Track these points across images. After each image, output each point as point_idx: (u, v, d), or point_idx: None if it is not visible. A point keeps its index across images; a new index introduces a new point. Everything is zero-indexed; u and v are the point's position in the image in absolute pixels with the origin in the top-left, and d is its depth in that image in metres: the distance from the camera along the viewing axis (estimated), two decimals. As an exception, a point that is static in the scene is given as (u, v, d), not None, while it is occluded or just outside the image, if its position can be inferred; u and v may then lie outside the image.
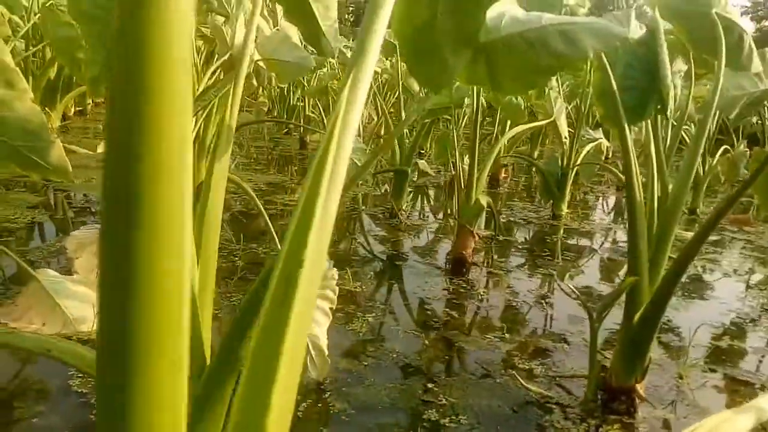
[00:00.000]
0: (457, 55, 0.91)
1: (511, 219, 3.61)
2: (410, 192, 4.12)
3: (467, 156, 2.60)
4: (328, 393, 1.55)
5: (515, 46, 0.98)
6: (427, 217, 3.61)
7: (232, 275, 2.29)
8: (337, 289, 1.62)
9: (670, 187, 1.54)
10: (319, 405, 1.50)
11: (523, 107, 2.77)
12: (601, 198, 4.75)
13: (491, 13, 1.00)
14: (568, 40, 0.99)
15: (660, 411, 1.58)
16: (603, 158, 4.43)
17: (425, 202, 4.02)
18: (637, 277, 1.41)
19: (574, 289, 1.66)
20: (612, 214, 4.29)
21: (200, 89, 1.75)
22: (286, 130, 6.56)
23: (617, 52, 1.73)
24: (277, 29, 2.19)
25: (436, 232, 3.23)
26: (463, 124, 3.57)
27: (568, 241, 3.23)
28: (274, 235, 1.43)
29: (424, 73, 0.93)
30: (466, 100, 2.69)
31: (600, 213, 4.32)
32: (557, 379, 1.69)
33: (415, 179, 4.54)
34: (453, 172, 2.72)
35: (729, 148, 4.35)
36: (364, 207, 3.60)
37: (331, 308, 1.60)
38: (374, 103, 4.63)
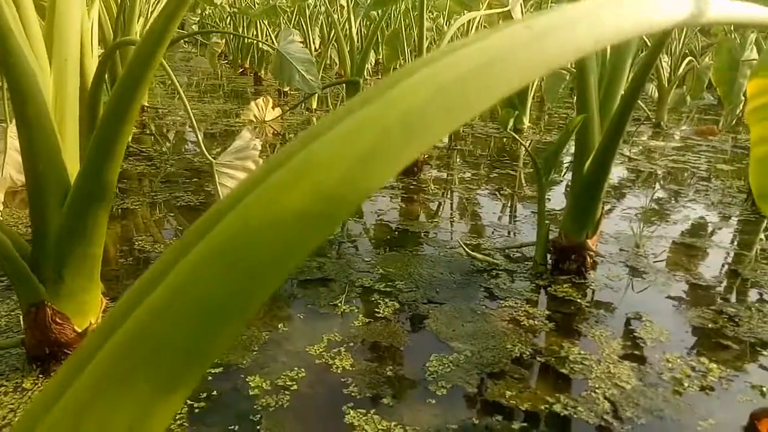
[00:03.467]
0: None
1: (471, 133, 3.45)
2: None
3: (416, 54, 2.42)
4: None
5: None
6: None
7: (162, 178, 2.11)
8: (260, 160, 1.46)
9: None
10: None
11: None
12: (566, 118, 4.61)
13: None
14: None
15: (612, 271, 1.47)
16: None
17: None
18: (586, 114, 1.27)
19: (523, 143, 1.51)
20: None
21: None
22: (241, 70, 6.25)
23: None
24: None
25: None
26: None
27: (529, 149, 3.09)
28: (201, 144, 1.29)
29: None
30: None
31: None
32: (506, 250, 1.57)
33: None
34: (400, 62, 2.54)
35: (693, 59, 4.23)
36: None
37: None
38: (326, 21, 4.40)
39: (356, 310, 1.21)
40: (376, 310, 1.21)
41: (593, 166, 1.28)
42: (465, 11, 2.61)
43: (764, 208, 0.76)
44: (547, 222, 1.43)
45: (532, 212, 1.91)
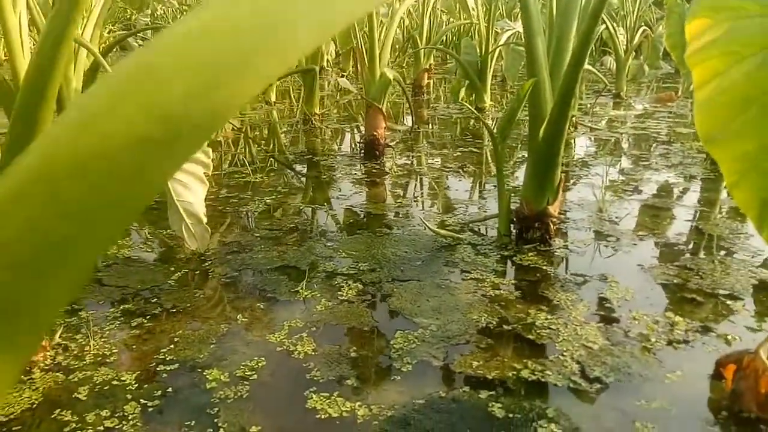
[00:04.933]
0: None
1: (434, 116, 3.43)
2: (335, 106, 3.89)
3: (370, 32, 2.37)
4: (209, 262, 1.35)
5: None
6: (344, 120, 3.39)
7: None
8: (210, 151, 1.41)
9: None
10: (197, 272, 1.30)
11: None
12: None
13: None
14: None
15: (577, 237, 1.46)
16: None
17: (344, 111, 3.79)
18: (536, 78, 1.25)
19: (473, 109, 1.49)
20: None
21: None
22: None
23: None
24: None
25: (351, 132, 3.02)
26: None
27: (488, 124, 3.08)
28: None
29: None
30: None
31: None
32: (470, 224, 1.55)
33: (337, 99, 4.30)
34: (354, 46, 2.50)
35: (648, 28, 4.28)
36: (277, 120, 3.34)
37: (205, 173, 1.39)
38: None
39: (318, 295, 1.17)
40: (339, 292, 1.18)
41: (548, 132, 1.26)
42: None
43: (712, 151, 0.75)
44: (508, 192, 1.41)
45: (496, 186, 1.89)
